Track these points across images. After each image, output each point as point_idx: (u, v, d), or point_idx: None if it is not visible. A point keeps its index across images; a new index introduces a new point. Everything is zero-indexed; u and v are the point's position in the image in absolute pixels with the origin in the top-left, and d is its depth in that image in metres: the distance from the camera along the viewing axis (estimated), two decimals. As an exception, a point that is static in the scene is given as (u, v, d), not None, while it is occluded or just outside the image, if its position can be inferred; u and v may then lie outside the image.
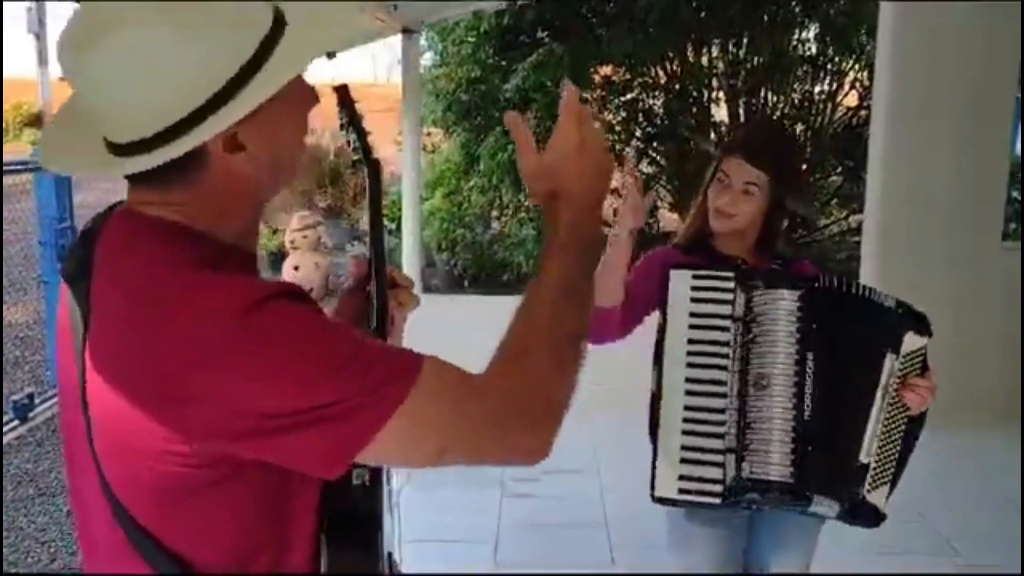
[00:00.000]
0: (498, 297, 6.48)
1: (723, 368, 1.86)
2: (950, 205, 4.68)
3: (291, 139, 0.98)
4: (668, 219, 8.29)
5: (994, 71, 4.65)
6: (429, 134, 7.64)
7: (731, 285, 1.87)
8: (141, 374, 0.88)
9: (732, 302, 1.86)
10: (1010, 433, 4.44)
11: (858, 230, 6.68)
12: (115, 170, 0.92)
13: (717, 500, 1.85)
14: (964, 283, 4.72)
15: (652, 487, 1.89)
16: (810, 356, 1.80)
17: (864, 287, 1.87)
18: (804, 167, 2.49)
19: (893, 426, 1.86)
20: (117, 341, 0.91)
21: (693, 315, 1.90)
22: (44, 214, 5.00)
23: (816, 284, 1.84)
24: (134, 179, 0.94)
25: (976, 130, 4.64)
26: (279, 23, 0.92)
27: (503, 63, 6.74)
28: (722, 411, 1.85)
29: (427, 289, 7.29)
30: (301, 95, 0.96)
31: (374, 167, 1.28)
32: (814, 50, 7.67)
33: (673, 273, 1.92)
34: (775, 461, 1.80)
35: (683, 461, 1.87)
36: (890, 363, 1.83)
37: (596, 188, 1.00)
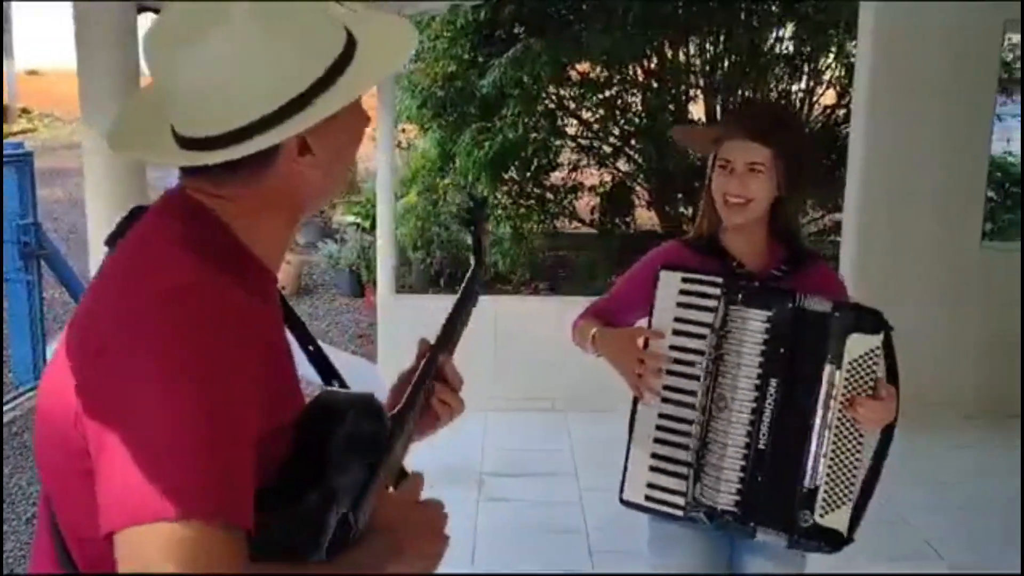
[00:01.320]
0: (480, 297, 6.40)
1: (698, 379, 1.81)
2: (930, 205, 4.70)
3: (350, 151, 1.03)
4: (644, 217, 8.25)
5: (975, 70, 4.67)
6: (404, 130, 7.53)
7: (717, 292, 1.80)
8: (76, 328, 0.90)
9: (715, 310, 1.79)
10: (990, 433, 4.45)
11: (836, 229, 6.66)
12: (186, 161, 0.94)
13: (679, 513, 1.82)
14: (944, 283, 4.74)
15: (621, 489, 1.88)
16: (773, 382, 1.72)
17: (809, 297, 1.74)
18: (809, 145, 2.39)
19: (846, 443, 1.74)
20: (84, 299, 0.95)
21: (678, 320, 1.84)
22: (7, 210, 4.85)
23: (791, 303, 1.73)
24: (190, 168, 0.96)
25: (956, 129, 4.65)
26: (351, 39, 0.97)
27: (479, 59, 6.64)
28: (692, 423, 1.81)
29: (401, 288, 7.19)
30: (360, 113, 1.02)
31: (478, 269, 1.35)
32: (791, 48, 7.65)
33: (663, 273, 1.86)
34: (723, 488, 1.76)
35: (652, 469, 1.85)
36: (829, 374, 1.71)
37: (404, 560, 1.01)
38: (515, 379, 5.00)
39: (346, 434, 0.96)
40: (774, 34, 7.58)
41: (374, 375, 5.29)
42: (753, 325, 1.74)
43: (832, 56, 7.56)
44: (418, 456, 4.51)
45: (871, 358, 1.72)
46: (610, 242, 7.39)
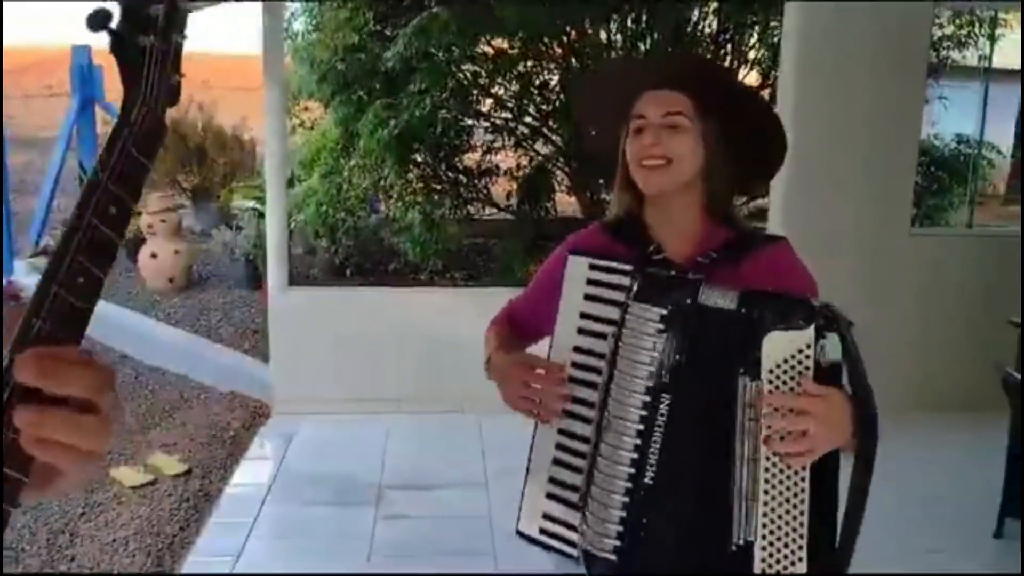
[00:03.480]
0: (382, 289, 5.97)
1: (596, 388, 1.43)
2: (858, 190, 4.51)
3: None
4: (565, 203, 7.89)
5: (905, 52, 4.49)
6: (307, 108, 6.99)
7: (626, 282, 1.42)
8: None
9: (621, 305, 1.40)
10: (929, 428, 4.24)
11: (761, 215, 6.45)
12: None
13: (574, 552, 1.45)
14: (874, 271, 4.57)
15: (518, 519, 1.53)
16: (665, 400, 1.34)
17: (711, 289, 1.35)
18: (747, 97, 1.82)
19: (785, 478, 1.31)
20: None
21: (584, 316, 1.47)
22: None
23: (691, 299, 1.34)
24: None
25: (885, 113, 4.47)
26: None
27: (384, 30, 6.15)
28: (588, 441, 1.43)
29: (306, 279, 6.70)
30: None
31: None
32: (714, 27, 7.38)
33: (570, 259, 1.50)
34: (604, 531, 1.38)
35: (548, 496, 1.48)
36: (744, 390, 1.30)
37: None
38: (420, 378, 4.63)
39: None
40: (696, 12, 7.29)
41: (264, 378, 4.81)
42: (646, 327, 1.36)
43: (756, 35, 7.31)
44: (310, 466, 3.98)
45: (800, 361, 1.29)
46: (529, 229, 7.00)
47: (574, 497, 1.45)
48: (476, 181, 7.12)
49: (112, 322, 6.04)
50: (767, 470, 1.31)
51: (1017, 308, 3.95)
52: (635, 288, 1.38)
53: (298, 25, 6.54)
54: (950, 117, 7.10)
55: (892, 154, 4.55)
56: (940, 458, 4.11)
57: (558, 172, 7.54)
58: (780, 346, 1.29)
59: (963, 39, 6.84)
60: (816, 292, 1.52)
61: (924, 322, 4.65)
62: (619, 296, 1.42)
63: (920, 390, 4.50)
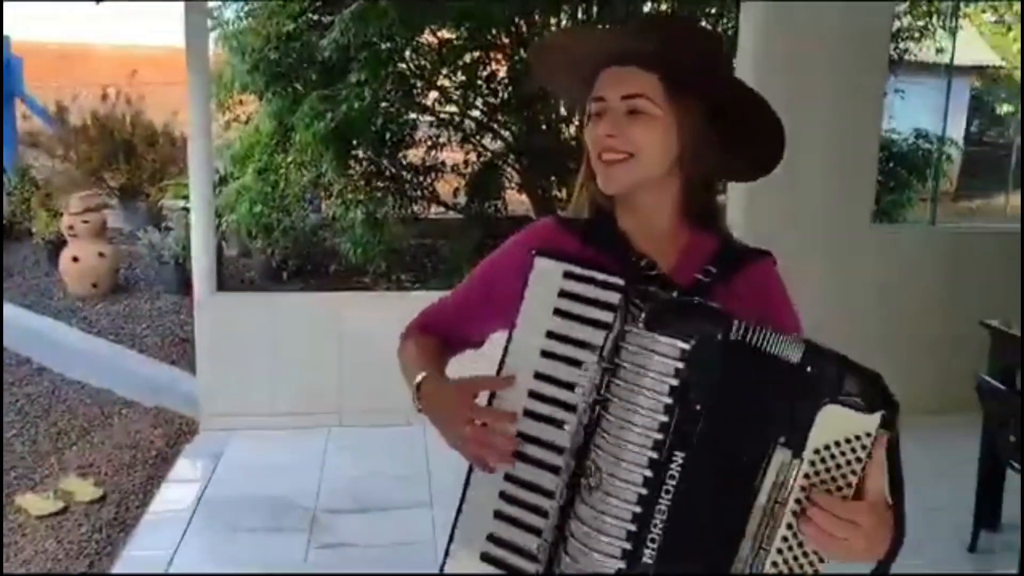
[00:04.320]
0: (322, 293, 5.65)
1: (564, 427, 1.14)
2: (819, 187, 4.36)
3: None
4: (516, 201, 7.62)
5: (865, 46, 4.37)
6: (241, 102, 6.61)
7: (615, 300, 1.11)
8: None
9: (608, 327, 1.11)
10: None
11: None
12: None
13: None
14: (834, 267, 4.43)
15: (442, 565, 1.22)
16: (678, 458, 1.05)
17: (760, 329, 1.06)
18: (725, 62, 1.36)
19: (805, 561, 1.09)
20: None
21: (551, 335, 1.15)
22: None
23: (720, 335, 1.05)
24: None
25: (846, 110, 4.34)
26: None
27: (321, 18, 5.80)
28: (552, 497, 1.13)
29: (241, 282, 6.35)
30: None
31: None
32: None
33: (539, 262, 1.18)
34: None
35: (485, 559, 1.18)
36: (781, 463, 1.05)
37: None
38: (364, 388, 4.33)
39: None
40: (650, 2, 7.08)
41: (192, 391, 4.46)
42: (659, 363, 1.05)
43: (712, 25, 7.12)
44: (238, 488, 3.58)
45: (854, 449, 1.06)
46: (478, 229, 6.70)
47: (526, 565, 1.15)
48: (421, 178, 6.79)
49: (29, 331, 5.63)
50: (775, 564, 1.05)
51: (983, 308, 3.79)
52: (642, 313, 1.08)
53: (229, 12, 6.17)
54: (905, 111, 6.99)
55: (852, 150, 4.42)
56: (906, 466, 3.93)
57: (508, 168, 7.26)
58: (837, 424, 1.04)
59: (921, 31, 6.73)
60: (798, 321, 1.30)
61: (887, 322, 4.53)
62: (605, 316, 1.12)
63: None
